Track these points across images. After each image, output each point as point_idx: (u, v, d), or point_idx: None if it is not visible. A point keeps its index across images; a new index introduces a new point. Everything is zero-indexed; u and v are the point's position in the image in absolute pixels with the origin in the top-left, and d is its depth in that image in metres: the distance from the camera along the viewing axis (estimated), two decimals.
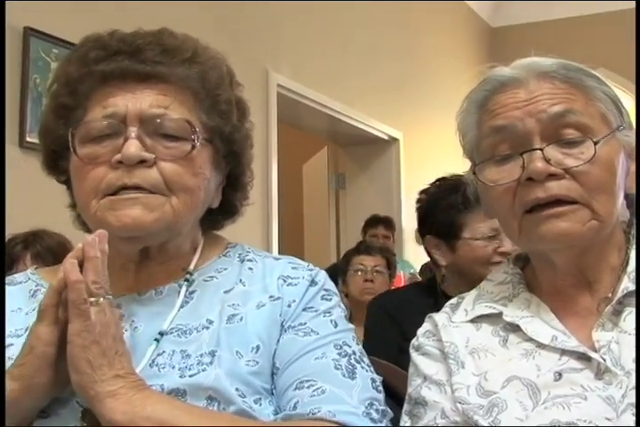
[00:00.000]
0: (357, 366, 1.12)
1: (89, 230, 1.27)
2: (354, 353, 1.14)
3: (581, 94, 1.14)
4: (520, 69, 1.16)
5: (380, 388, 1.13)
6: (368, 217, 5.67)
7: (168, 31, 1.19)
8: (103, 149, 1.11)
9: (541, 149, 1.10)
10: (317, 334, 1.13)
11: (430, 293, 2.42)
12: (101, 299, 1.02)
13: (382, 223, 5.61)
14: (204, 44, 1.21)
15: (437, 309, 2.34)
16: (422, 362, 1.20)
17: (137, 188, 1.10)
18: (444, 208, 2.30)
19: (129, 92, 1.13)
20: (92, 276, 1.02)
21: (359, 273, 3.62)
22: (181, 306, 1.15)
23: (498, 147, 1.15)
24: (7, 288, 1.22)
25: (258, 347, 1.11)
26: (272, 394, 1.10)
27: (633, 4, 6.01)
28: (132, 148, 1.09)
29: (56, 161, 1.19)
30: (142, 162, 1.09)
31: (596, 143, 1.10)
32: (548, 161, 1.10)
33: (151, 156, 1.10)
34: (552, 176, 1.09)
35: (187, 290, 1.17)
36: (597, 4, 7.23)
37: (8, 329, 1.14)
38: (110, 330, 1.02)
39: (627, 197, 1.18)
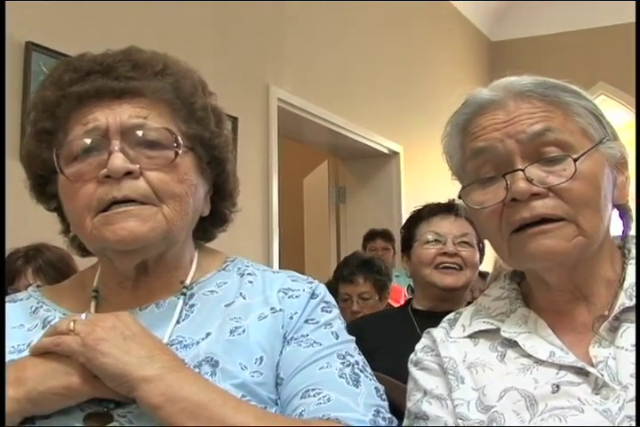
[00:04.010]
0: (361, 375, 1.13)
1: (83, 254, 1.28)
2: (357, 363, 1.15)
3: (560, 111, 1.14)
4: (498, 91, 1.17)
5: (384, 397, 1.14)
6: (366, 232, 5.69)
7: (135, 48, 1.21)
8: (88, 166, 1.12)
9: (523, 170, 1.11)
10: (320, 345, 1.14)
11: (402, 309, 2.66)
12: (71, 324, 1.06)
13: (380, 236, 5.64)
14: (173, 57, 1.23)
15: (407, 321, 2.50)
16: (422, 377, 1.21)
17: (127, 201, 1.11)
18: (403, 226, 2.68)
19: (107, 107, 1.14)
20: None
21: (346, 303, 3.37)
22: (182, 319, 1.16)
23: (481, 169, 1.16)
24: (9, 305, 1.23)
25: (261, 358, 1.11)
26: (277, 404, 1.11)
27: (632, 19, 6.03)
28: (117, 161, 1.10)
29: (44, 186, 1.20)
30: (128, 174, 1.10)
31: (575, 160, 1.10)
32: (530, 181, 1.10)
33: (136, 167, 1.11)
34: (536, 195, 1.10)
35: (184, 303, 1.18)
36: (597, 18, 7.27)
37: (10, 345, 1.15)
38: (106, 325, 1.05)
39: (618, 207, 1.19)
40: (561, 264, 1.13)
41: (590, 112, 1.16)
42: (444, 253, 2.47)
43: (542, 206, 1.10)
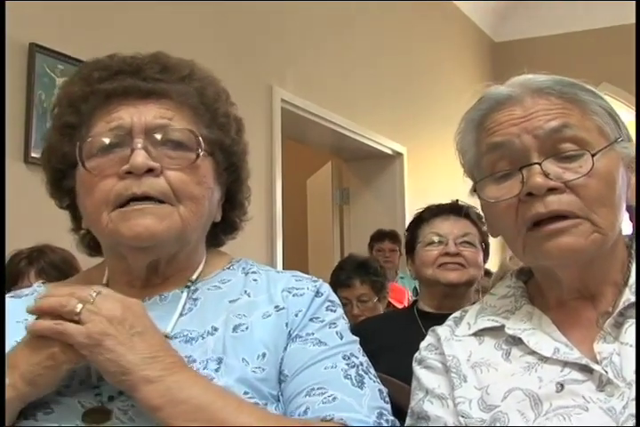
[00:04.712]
0: (365, 376, 1.14)
1: (91, 253, 1.28)
2: (361, 364, 1.15)
3: (577, 109, 1.14)
4: (515, 87, 1.17)
5: (387, 399, 1.14)
6: (374, 232, 5.67)
7: (163, 53, 1.23)
8: (110, 161, 1.14)
9: (539, 164, 1.11)
10: (325, 344, 1.15)
11: (408, 311, 2.67)
12: (78, 306, 1.03)
13: (388, 237, 5.63)
14: (199, 64, 1.25)
15: (412, 322, 2.49)
16: (424, 376, 1.21)
17: (146, 198, 1.12)
18: (407, 229, 2.69)
19: (131, 106, 1.16)
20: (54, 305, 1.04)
21: (346, 307, 3.24)
22: (186, 312, 1.17)
23: (497, 164, 1.15)
24: (13, 301, 1.23)
25: (264, 354, 1.12)
26: (278, 400, 1.12)
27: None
28: (140, 157, 1.11)
29: (61, 180, 1.21)
30: (150, 171, 1.12)
31: (593, 155, 1.10)
32: (547, 175, 1.10)
33: (158, 164, 1.13)
34: (552, 190, 1.10)
35: (188, 295, 1.19)
36: (601, 18, 7.27)
37: (13, 339, 1.14)
38: (114, 318, 1.03)
39: (629, 209, 1.18)
40: (576, 261, 1.13)
41: (607, 111, 1.16)
42: (446, 254, 2.49)
43: (558, 202, 1.10)
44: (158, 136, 1.14)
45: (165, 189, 1.13)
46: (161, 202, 1.13)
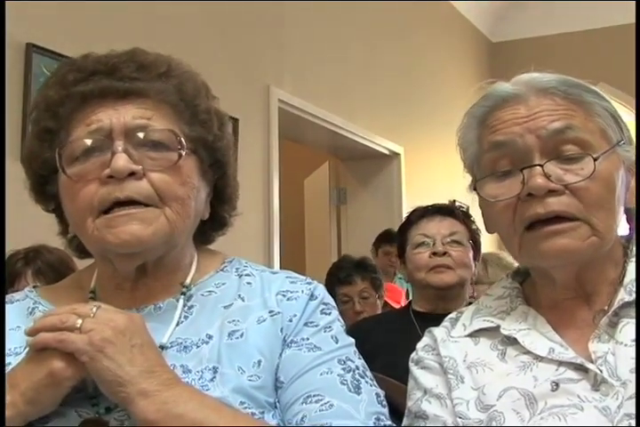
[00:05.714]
0: (362, 380, 1.13)
1: (81, 256, 1.27)
2: (357, 368, 1.15)
3: (581, 110, 1.15)
4: (520, 85, 1.17)
5: (385, 402, 1.14)
6: (382, 231, 5.26)
7: (140, 49, 1.21)
8: (91, 166, 1.12)
9: (541, 165, 1.11)
10: (320, 349, 1.14)
11: (404, 311, 2.68)
12: (78, 322, 1.02)
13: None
14: (177, 59, 1.23)
15: (408, 322, 2.51)
16: (422, 376, 1.21)
17: (130, 202, 1.10)
18: (397, 232, 2.73)
19: (110, 108, 1.14)
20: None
21: (347, 304, 3.35)
22: (181, 321, 1.16)
23: (498, 162, 1.15)
24: (5, 307, 1.21)
25: (259, 362, 1.11)
26: (275, 408, 1.11)
27: (634, 19, 6.03)
28: (121, 161, 1.09)
29: (43, 186, 1.19)
30: (132, 175, 1.10)
31: (595, 159, 1.11)
32: (548, 177, 1.10)
33: (139, 167, 1.11)
34: (552, 192, 1.10)
35: (184, 304, 1.17)
36: (598, 18, 7.26)
37: (7, 347, 1.14)
38: (116, 328, 1.02)
39: (626, 211, 1.18)
40: (572, 263, 1.13)
41: (610, 114, 1.17)
42: (434, 254, 2.49)
43: (557, 203, 1.10)
44: (138, 137, 1.12)
45: (149, 191, 1.11)
46: (146, 205, 1.11)
